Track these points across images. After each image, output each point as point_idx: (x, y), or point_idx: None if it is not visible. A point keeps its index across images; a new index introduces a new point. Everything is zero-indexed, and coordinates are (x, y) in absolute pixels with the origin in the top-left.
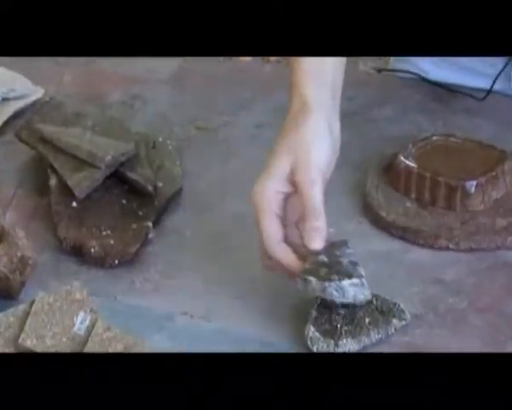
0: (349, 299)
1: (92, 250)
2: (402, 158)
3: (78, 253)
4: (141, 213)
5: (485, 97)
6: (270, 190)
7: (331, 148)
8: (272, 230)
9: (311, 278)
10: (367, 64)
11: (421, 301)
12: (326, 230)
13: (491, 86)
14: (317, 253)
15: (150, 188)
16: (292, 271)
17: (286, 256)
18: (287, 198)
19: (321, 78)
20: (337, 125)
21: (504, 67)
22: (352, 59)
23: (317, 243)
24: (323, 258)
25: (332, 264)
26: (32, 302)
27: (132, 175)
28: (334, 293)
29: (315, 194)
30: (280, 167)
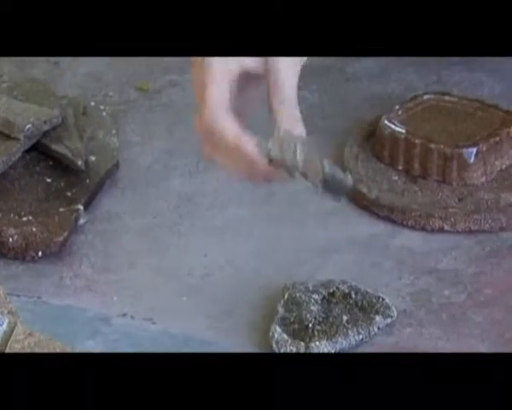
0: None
1: (10, 240)
2: (386, 122)
3: None
4: (69, 194)
5: None
6: None
7: None
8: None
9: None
10: None
11: (411, 295)
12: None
13: None
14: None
15: (80, 163)
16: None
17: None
18: None
19: None
20: None
21: None
22: None
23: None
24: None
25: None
26: None
27: (58, 148)
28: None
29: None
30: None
